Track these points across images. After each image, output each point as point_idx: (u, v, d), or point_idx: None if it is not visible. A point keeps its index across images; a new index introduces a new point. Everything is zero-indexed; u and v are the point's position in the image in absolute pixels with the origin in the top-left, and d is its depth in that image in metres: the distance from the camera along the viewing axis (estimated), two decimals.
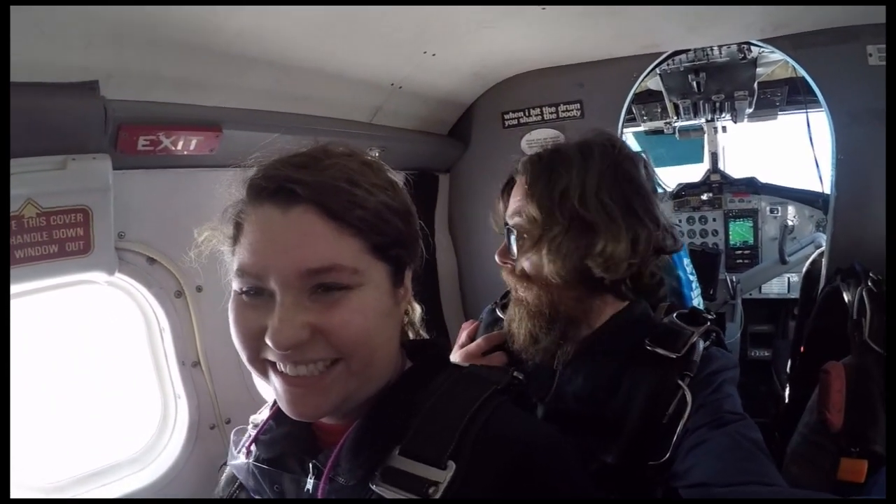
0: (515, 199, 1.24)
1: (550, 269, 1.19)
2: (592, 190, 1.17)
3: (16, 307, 1.28)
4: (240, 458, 0.92)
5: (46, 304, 1.42)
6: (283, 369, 0.77)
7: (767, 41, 1.93)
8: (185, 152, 1.39)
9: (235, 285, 0.78)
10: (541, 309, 1.20)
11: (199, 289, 1.56)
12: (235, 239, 0.80)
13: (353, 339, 0.76)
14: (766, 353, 3.43)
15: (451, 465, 0.75)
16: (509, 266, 1.26)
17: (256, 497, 0.91)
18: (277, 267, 0.74)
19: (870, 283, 1.56)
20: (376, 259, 0.80)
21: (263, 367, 0.79)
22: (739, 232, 3.55)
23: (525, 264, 1.21)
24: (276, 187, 0.76)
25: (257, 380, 1.67)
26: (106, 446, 1.55)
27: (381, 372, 0.84)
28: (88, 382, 1.63)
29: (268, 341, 0.74)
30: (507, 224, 1.25)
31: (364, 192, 0.78)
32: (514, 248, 1.23)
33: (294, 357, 0.75)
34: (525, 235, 1.20)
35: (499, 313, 1.41)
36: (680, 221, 3.67)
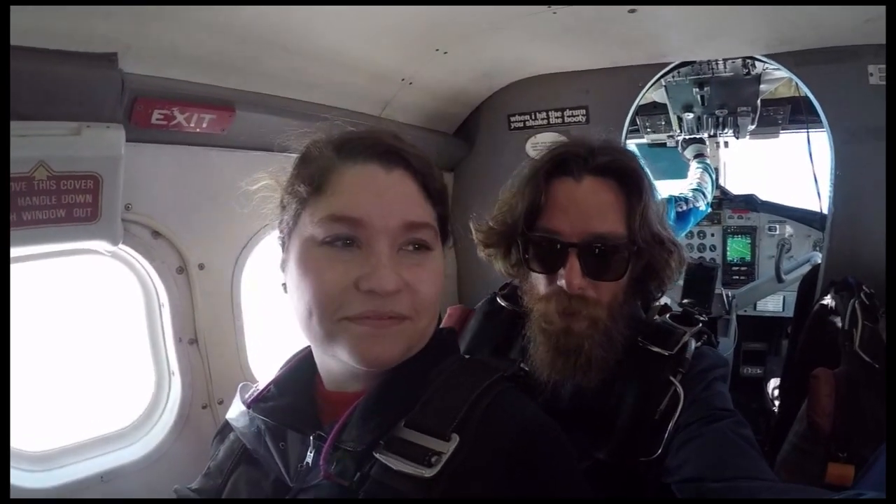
0: (599, 212, 1.13)
1: (623, 290, 1.18)
2: (659, 210, 1.20)
3: (18, 271, 1.29)
4: (243, 417, 0.94)
5: (47, 272, 1.43)
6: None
7: (771, 57, 1.96)
8: (198, 130, 1.41)
9: (319, 233, 0.80)
10: (596, 335, 1.15)
11: (201, 266, 1.58)
12: (319, 188, 0.83)
13: (429, 298, 0.83)
14: (759, 371, 3.44)
15: (455, 438, 0.78)
16: (583, 293, 1.13)
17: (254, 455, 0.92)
18: (381, 216, 0.80)
19: (862, 296, 1.58)
20: (439, 230, 0.87)
21: (336, 326, 0.80)
22: (737, 248, 3.57)
23: (606, 287, 1.14)
24: (382, 150, 0.83)
25: (253, 362, 1.71)
26: (96, 419, 1.55)
27: (429, 335, 0.89)
28: (83, 354, 1.63)
29: (371, 286, 0.77)
30: (574, 243, 1.12)
31: (437, 172, 0.89)
32: (580, 270, 1.11)
33: (384, 307, 0.78)
34: (615, 255, 1.14)
35: (500, 302, 1.42)
36: (679, 236, 3.68)
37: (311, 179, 0.84)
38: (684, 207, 2.86)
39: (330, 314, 0.79)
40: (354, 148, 0.84)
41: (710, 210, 3.24)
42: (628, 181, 1.15)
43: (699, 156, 3.35)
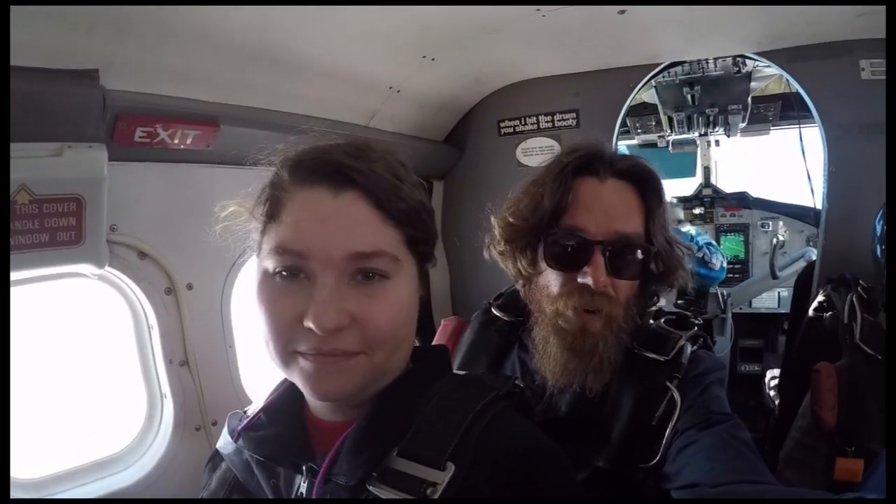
0: (623, 212, 1.16)
1: (636, 292, 1.19)
2: (670, 218, 1.22)
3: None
4: (232, 447, 0.90)
5: (34, 296, 1.39)
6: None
7: (763, 54, 1.96)
8: (182, 146, 1.38)
9: (270, 264, 0.77)
10: (610, 336, 1.15)
11: (189, 286, 1.54)
12: (272, 216, 0.80)
13: (384, 332, 0.77)
14: (757, 368, 3.45)
15: (451, 467, 0.74)
16: (606, 290, 1.13)
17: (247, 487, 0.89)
18: (324, 247, 0.75)
19: (860, 290, 1.58)
20: (409, 252, 0.82)
21: (289, 358, 0.78)
22: (731, 246, 3.59)
23: (625, 285, 1.16)
24: (330, 171, 0.77)
25: (245, 382, 1.68)
26: (89, 444, 1.51)
27: (399, 366, 0.84)
28: (74, 379, 1.60)
29: (309, 323, 0.73)
30: (598, 241, 1.13)
31: (406, 188, 0.81)
32: (605, 268, 1.12)
33: (327, 345, 0.75)
34: (635, 254, 1.15)
35: (495, 312, 1.40)
36: None
37: (267, 207, 0.81)
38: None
39: (282, 347, 0.77)
40: (304, 170, 0.79)
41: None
42: (648, 185, 1.18)
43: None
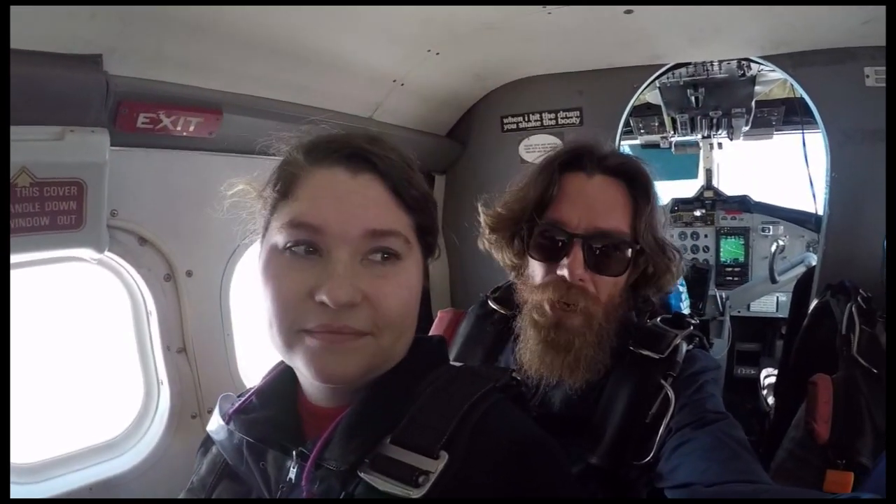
0: (607, 208, 1.16)
1: (620, 292, 1.19)
2: (662, 218, 1.22)
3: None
4: (223, 430, 0.90)
5: (33, 280, 1.40)
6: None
7: (767, 58, 1.96)
8: (185, 133, 1.38)
9: (281, 239, 0.77)
10: (588, 334, 1.15)
11: (189, 273, 1.55)
12: (285, 193, 0.81)
13: (393, 313, 0.78)
14: (753, 372, 3.46)
15: (444, 456, 0.74)
16: (583, 285, 1.14)
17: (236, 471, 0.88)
18: (341, 223, 0.76)
19: (859, 300, 1.58)
20: (417, 239, 0.83)
21: (294, 337, 0.77)
22: (730, 249, 3.59)
23: (607, 282, 1.16)
24: (349, 153, 0.80)
25: (243, 370, 1.68)
26: (85, 429, 1.52)
27: (401, 352, 0.84)
28: (71, 363, 1.60)
29: (323, 297, 0.73)
30: (579, 234, 1.13)
31: (417, 178, 0.84)
32: (582, 262, 1.13)
33: (338, 321, 0.74)
34: (617, 252, 1.15)
35: (492, 305, 1.40)
36: (672, 236, 3.68)
37: (280, 185, 0.82)
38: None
39: (287, 325, 0.76)
40: (322, 151, 0.81)
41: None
42: (637, 184, 1.18)
43: None
